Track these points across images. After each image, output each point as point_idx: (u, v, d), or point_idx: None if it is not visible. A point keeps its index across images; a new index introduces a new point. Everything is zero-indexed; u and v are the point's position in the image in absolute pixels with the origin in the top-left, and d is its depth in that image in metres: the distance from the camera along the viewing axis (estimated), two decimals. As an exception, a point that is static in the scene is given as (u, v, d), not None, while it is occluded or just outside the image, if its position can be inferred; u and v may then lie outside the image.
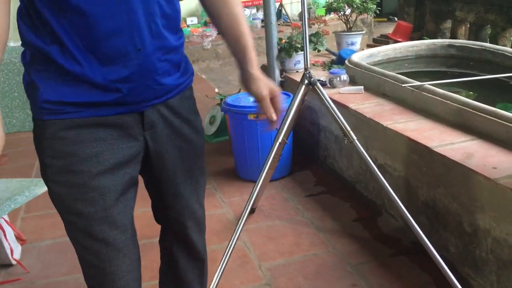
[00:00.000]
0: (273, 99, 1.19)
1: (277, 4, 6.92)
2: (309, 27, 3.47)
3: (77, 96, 1.00)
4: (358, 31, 3.80)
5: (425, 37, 3.67)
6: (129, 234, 1.14)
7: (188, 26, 6.31)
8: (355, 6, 3.57)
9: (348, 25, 3.72)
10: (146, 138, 1.10)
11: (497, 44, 3.19)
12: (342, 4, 3.60)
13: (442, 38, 3.72)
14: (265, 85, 1.18)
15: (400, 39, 3.77)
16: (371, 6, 3.54)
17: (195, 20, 6.43)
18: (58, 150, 1.03)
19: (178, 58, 1.12)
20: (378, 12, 3.70)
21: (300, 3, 6.89)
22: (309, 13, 7.27)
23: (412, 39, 3.78)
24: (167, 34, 1.07)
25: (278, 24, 6.64)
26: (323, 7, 7.20)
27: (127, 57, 1.00)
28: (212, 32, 6.06)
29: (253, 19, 6.63)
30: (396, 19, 6.07)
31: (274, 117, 1.18)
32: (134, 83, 1.02)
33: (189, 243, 1.29)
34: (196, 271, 1.35)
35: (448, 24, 3.74)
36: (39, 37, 0.99)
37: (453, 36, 3.65)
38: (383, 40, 4.07)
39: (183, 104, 1.16)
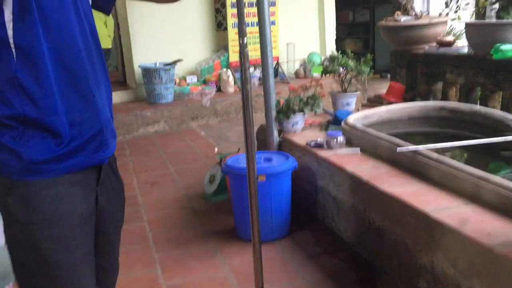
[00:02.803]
0: None
1: (274, 63, 7.15)
2: (306, 89, 3.62)
3: (54, 149, 1.15)
4: (353, 91, 3.93)
5: (418, 98, 3.80)
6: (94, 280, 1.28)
7: (188, 84, 6.48)
8: (350, 69, 3.73)
9: (343, 86, 3.86)
10: (97, 192, 1.27)
11: (487, 105, 3.31)
12: (337, 67, 3.75)
13: (434, 99, 3.85)
14: None
15: (393, 100, 3.90)
16: (365, 69, 3.69)
17: (194, 78, 6.61)
18: (41, 207, 1.15)
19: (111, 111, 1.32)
20: (372, 73, 3.85)
21: (296, 62, 7.08)
22: (305, 71, 7.50)
23: (405, 99, 3.91)
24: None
25: (275, 82, 6.84)
26: (319, 65, 7.45)
27: (86, 102, 1.19)
28: (211, 90, 6.23)
29: (251, 77, 6.83)
30: (388, 75, 6.27)
31: None
32: (92, 124, 1.21)
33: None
34: None
35: (439, 85, 3.88)
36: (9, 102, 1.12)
37: (445, 96, 3.78)
38: (377, 100, 4.20)
39: (114, 160, 1.35)
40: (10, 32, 1.07)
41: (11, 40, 1.08)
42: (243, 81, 1.60)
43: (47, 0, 1.09)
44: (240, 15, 1.59)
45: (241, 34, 1.57)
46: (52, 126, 1.13)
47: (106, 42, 7.16)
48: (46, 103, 1.11)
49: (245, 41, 1.57)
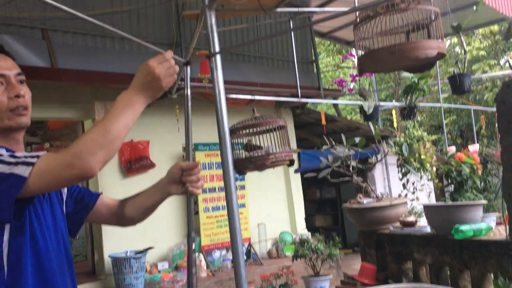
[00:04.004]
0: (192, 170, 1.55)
1: (246, 244, 7.18)
2: (278, 277, 3.60)
3: None
4: (326, 274, 3.93)
5: (390, 280, 3.81)
6: None
7: (159, 271, 6.34)
8: (320, 253, 3.79)
9: (315, 270, 3.87)
10: None
11: (458, 285, 3.33)
12: (307, 252, 3.81)
13: (406, 278, 3.86)
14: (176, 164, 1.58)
15: (366, 281, 3.89)
16: (335, 252, 3.76)
17: (166, 265, 6.50)
18: None
19: None
20: (343, 246, 3.91)
21: (268, 242, 7.07)
22: (277, 251, 7.51)
23: (377, 280, 3.91)
24: None
25: (248, 263, 6.77)
26: (291, 243, 7.50)
27: None
28: (183, 276, 6.08)
29: (223, 260, 6.77)
30: (361, 253, 6.33)
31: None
32: None
33: None
34: None
35: (409, 264, 3.93)
36: None
37: (416, 276, 3.80)
38: (350, 282, 4.18)
39: None
40: (5, 251, 1.20)
41: (5, 259, 1.20)
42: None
43: (36, 223, 1.23)
44: (189, 216, 1.68)
45: (189, 241, 1.64)
46: None
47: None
48: None
49: (193, 246, 1.64)
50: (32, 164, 1.18)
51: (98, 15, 5.94)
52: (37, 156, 1.22)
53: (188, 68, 1.71)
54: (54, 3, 1.52)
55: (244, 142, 3.70)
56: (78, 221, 1.53)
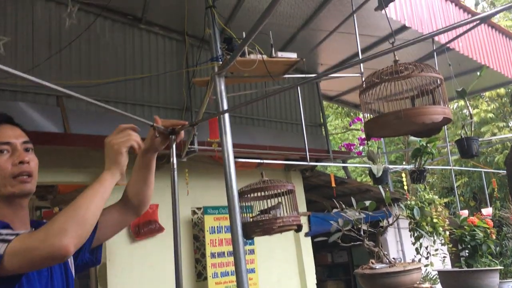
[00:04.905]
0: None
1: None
2: None
3: None
4: None
5: None
6: None
7: None
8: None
9: None
10: None
11: None
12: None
13: None
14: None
15: None
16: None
17: (172, 333, 6.27)
18: None
19: None
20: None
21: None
22: (288, 319, 7.25)
23: None
24: None
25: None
26: (302, 311, 7.26)
27: None
28: None
29: (232, 329, 6.52)
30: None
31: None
32: None
33: None
34: None
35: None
36: None
37: None
38: None
39: None
40: None
41: None
42: None
43: None
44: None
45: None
46: None
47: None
48: None
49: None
50: (8, 241, 1.17)
51: (112, 83, 6.14)
52: (17, 234, 1.22)
53: (173, 137, 1.81)
54: (67, 91, 1.59)
55: (251, 205, 3.68)
56: (88, 247, 1.54)
